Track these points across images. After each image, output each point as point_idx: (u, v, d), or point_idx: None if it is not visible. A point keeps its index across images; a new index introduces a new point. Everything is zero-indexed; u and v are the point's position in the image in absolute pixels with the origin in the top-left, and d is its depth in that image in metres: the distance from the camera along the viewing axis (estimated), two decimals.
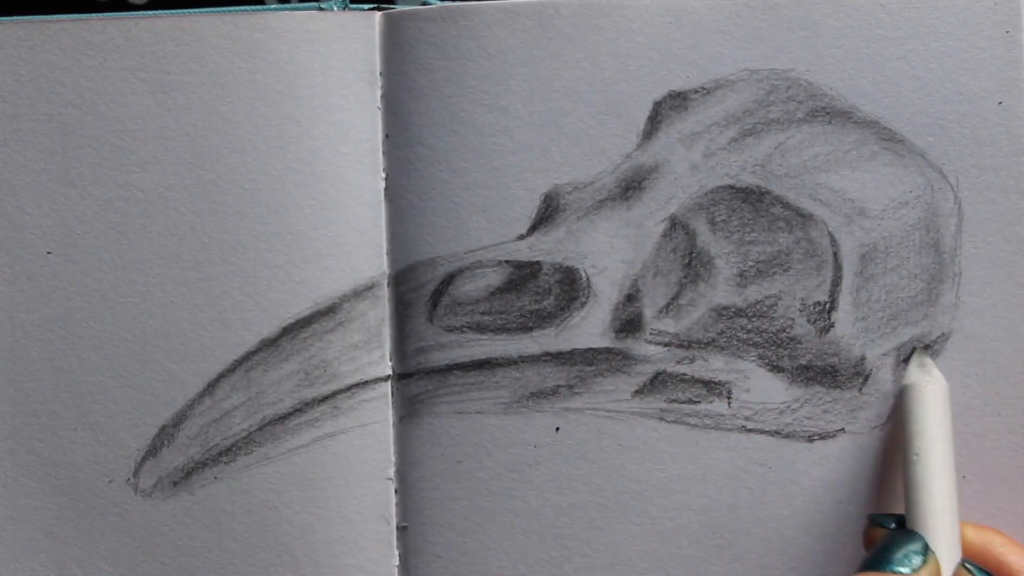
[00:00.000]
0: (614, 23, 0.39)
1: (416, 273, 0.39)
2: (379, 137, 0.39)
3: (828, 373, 0.38)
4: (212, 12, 0.39)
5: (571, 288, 0.39)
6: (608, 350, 0.39)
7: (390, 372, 0.39)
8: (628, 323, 0.39)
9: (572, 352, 0.39)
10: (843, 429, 0.38)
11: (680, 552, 0.38)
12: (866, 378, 0.38)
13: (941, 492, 0.35)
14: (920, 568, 0.34)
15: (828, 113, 0.39)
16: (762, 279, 0.39)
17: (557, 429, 0.38)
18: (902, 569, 0.34)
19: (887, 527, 0.36)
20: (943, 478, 0.35)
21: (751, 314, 0.39)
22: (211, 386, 0.39)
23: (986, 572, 0.35)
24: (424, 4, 0.39)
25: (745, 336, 0.38)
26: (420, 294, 0.39)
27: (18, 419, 0.39)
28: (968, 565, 0.35)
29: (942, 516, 0.35)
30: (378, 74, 0.39)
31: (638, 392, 0.38)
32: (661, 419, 0.38)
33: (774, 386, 0.38)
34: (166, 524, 0.38)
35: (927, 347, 0.38)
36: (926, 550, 0.34)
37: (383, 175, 0.39)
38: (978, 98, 0.38)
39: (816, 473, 0.38)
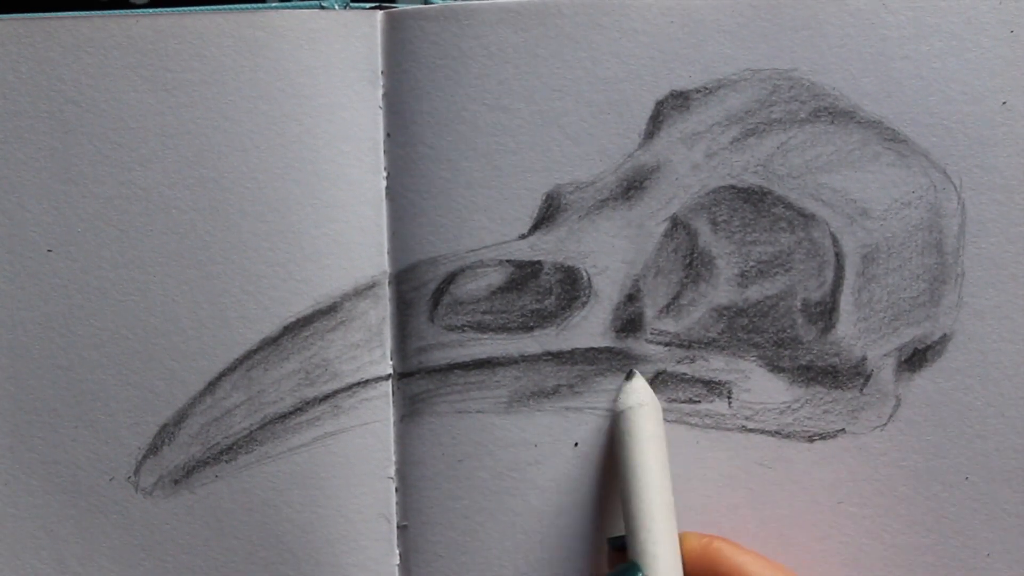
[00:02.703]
0: (616, 22, 0.38)
1: (417, 272, 0.39)
2: (380, 136, 0.39)
3: (829, 373, 0.38)
4: (214, 10, 0.39)
5: (572, 288, 0.39)
6: (609, 349, 0.39)
7: (391, 371, 0.39)
8: (629, 323, 0.39)
9: (573, 352, 0.39)
10: (843, 429, 0.38)
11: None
12: (867, 378, 0.38)
13: (659, 516, 0.35)
14: None
15: (831, 113, 0.38)
16: (763, 279, 0.39)
17: (576, 444, 0.38)
18: None
19: (621, 550, 0.36)
20: (661, 500, 0.35)
21: (752, 314, 0.39)
22: (212, 385, 0.39)
23: None
24: (426, 3, 0.39)
25: (746, 336, 0.38)
26: (421, 293, 0.39)
27: (19, 417, 0.39)
28: None
29: (660, 537, 0.34)
30: (380, 73, 0.39)
31: None
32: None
33: (775, 386, 0.38)
34: (167, 522, 0.38)
35: (929, 347, 0.38)
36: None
37: (384, 174, 0.39)
38: (982, 98, 0.38)
39: (816, 473, 0.38)
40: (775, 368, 0.38)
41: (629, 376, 0.37)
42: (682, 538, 0.36)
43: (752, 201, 0.39)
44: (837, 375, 0.38)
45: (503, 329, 0.39)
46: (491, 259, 0.39)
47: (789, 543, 0.38)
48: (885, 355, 0.38)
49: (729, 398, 0.38)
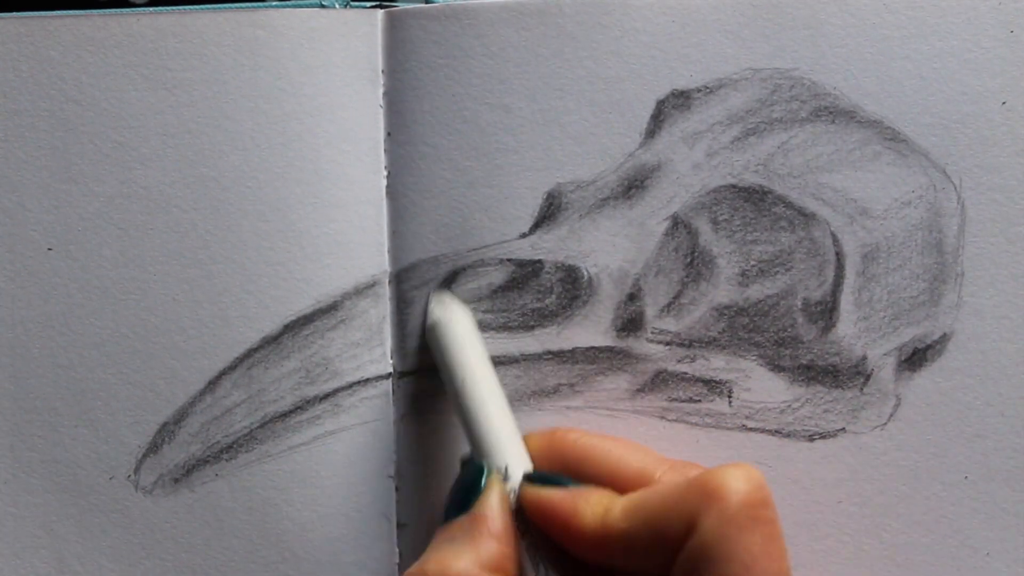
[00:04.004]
0: (617, 21, 0.38)
1: (418, 271, 0.39)
2: (381, 135, 0.39)
3: (829, 373, 0.38)
4: (214, 9, 0.39)
5: (573, 287, 0.39)
6: (609, 349, 0.39)
7: (391, 370, 0.39)
8: (630, 322, 0.39)
9: (573, 351, 0.39)
10: (844, 429, 0.38)
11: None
12: (867, 378, 0.38)
13: (495, 412, 0.34)
14: (482, 496, 0.33)
15: (831, 113, 0.39)
16: (764, 278, 0.39)
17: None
18: (470, 505, 0.33)
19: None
20: (493, 399, 0.35)
21: (753, 313, 0.39)
22: (212, 383, 0.39)
23: (552, 475, 0.34)
24: (427, 2, 0.39)
25: (746, 335, 0.38)
26: (422, 292, 0.39)
27: (19, 416, 0.39)
28: (532, 474, 0.34)
29: (500, 436, 0.34)
30: (380, 72, 0.39)
31: (639, 391, 0.38)
32: (662, 418, 0.38)
33: (775, 385, 0.38)
34: (167, 521, 0.38)
35: (929, 347, 0.38)
36: (481, 474, 0.33)
37: (385, 173, 0.39)
38: (982, 98, 0.38)
39: (817, 472, 0.38)
40: (775, 367, 0.38)
41: (431, 294, 0.38)
42: (526, 439, 0.35)
43: (753, 200, 0.39)
44: (837, 374, 0.38)
45: (504, 328, 0.39)
46: (492, 258, 0.39)
47: (789, 542, 0.38)
48: (885, 354, 0.38)
49: (729, 397, 0.38)
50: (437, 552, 0.32)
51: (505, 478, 0.34)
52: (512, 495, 0.33)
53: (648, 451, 0.35)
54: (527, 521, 0.33)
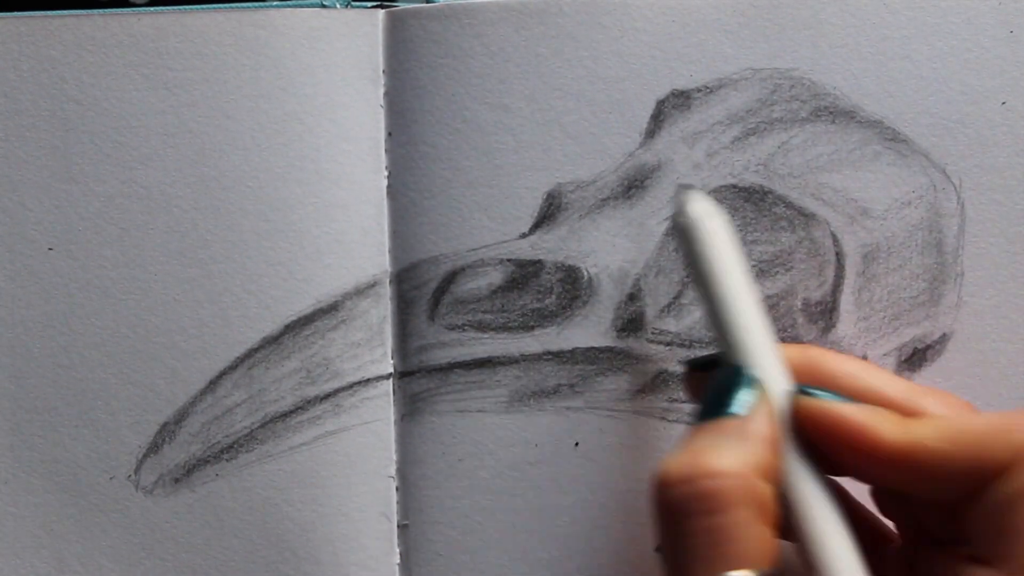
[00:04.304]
0: (617, 21, 0.39)
1: (418, 271, 0.39)
2: (382, 135, 0.39)
3: None
4: (215, 8, 0.39)
5: (573, 287, 0.39)
6: (610, 349, 0.39)
7: (392, 370, 0.39)
8: (630, 322, 0.39)
9: (574, 351, 0.39)
10: None
11: None
12: None
13: (755, 320, 0.33)
14: (753, 405, 0.31)
15: (831, 113, 0.39)
16: (764, 278, 0.39)
17: (576, 444, 0.38)
18: (737, 411, 0.31)
19: (707, 370, 0.34)
20: (753, 305, 0.33)
21: None
22: (213, 383, 0.39)
23: (830, 391, 0.32)
24: (427, 2, 0.39)
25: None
26: (422, 292, 0.39)
27: (19, 415, 0.39)
28: (805, 389, 0.32)
29: (761, 345, 0.32)
30: (381, 72, 0.39)
31: (640, 391, 0.38)
32: (663, 418, 0.38)
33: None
34: (167, 521, 0.38)
35: (929, 347, 0.38)
36: (753, 384, 0.32)
37: (385, 173, 0.39)
38: (982, 98, 0.38)
39: None
40: None
41: (683, 189, 0.36)
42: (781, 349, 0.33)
43: (753, 200, 0.39)
44: None
45: (504, 328, 0.39)
46: (492, 258, 0.39)
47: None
48: (885, 354, 0.38)
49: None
50: (707, 447, 0.30)
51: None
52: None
53: (904, 380, 0.34)
54: (792, 434, 0.32)
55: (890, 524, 0.35)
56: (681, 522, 0.29)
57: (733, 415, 0.31)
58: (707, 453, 0.30)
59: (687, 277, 0.34)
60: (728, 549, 0.28)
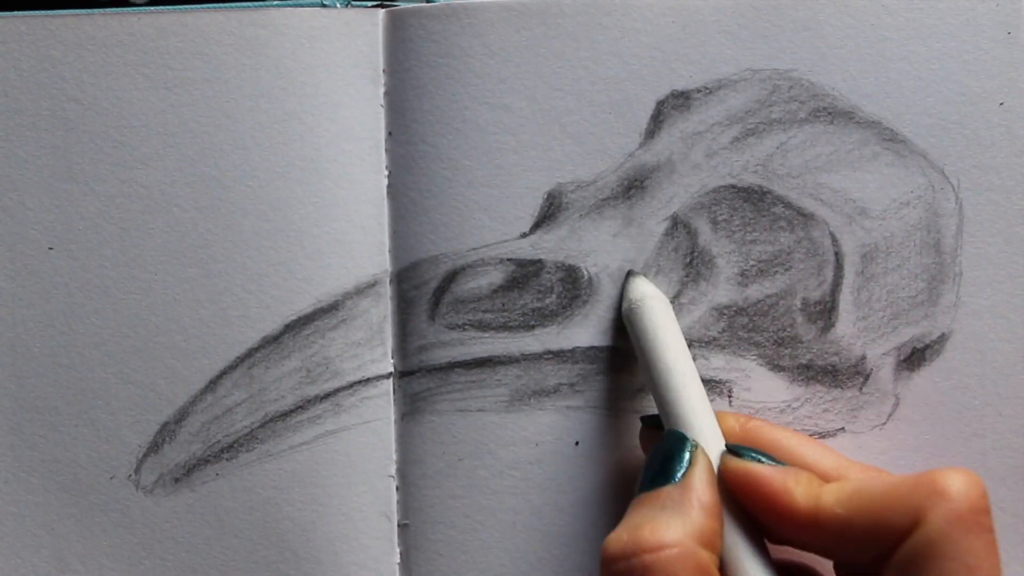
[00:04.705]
0: (617, 22, 0.39)
1: (418, 271, 0.39)
2: (382, 135, 0.39)
3: (828, 372, 0.39)
4: (215, 8, 0.39)
5: (573, 286, 0.39)
6: (610, 348, 0.39)
7: (392, 370, 0.39)
8: None
9: (574, 350, 0.39)
10: (843, 428, 0.38)
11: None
12: (866, 378, 0.38)
13: (694, 390, 0.34)
14: (690, 467, 0.32)
15: (830, 113, 0.39)
16: (763, 278, 0.39)
17: (577, 443, 0.38)
18: (675, 478, 0.32)
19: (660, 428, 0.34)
20: (692, 377, 0.34)
21: (752, 313, 0.39)
22: (213, 383, 0.39)
23: (756, 451, 0.33)
24: (427, 1, 0.39)
25: (746, 335, 0.39)
26: (422, 292, 0.39)
27: (20, 415, 0.39)
28: (737, 447, 0.33)
29: (699, 411, 0.34)
30: (381, 71, 0.39)
31: (640, 390, 0.38)
32: None
33: (775, 385, 0.39)
34: (167, 520, 0.38)
35: (927, 347, 0.38)
36: (684, 445, 0.33)
37: (386, 172, 0.39)
38: (980, 99, 0.38)
39: None
40: (775, 367, 0.39)
41: (629, 276, 0.38)
42: (719, 418, 0.34)
43: (752, 200, 0.39)
44: (837, 374, 0.39)
45: (504, 328, 0.39)
46: (492, 257, 0.39)
47: None
48: (884, 354, 0.39)
49: (730, 397, 0.39)
50: (646, 520, 0.31)
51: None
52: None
53: (838, 453, 0.35)
54: (729, 497, 0.32)
55: None
56: None
57: (672, 483, 0.32)
58: (647, 526, 0.31)
59: (637, 353, 0.36)
60: None
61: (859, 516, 0.31)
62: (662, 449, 0.33)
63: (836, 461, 0.34)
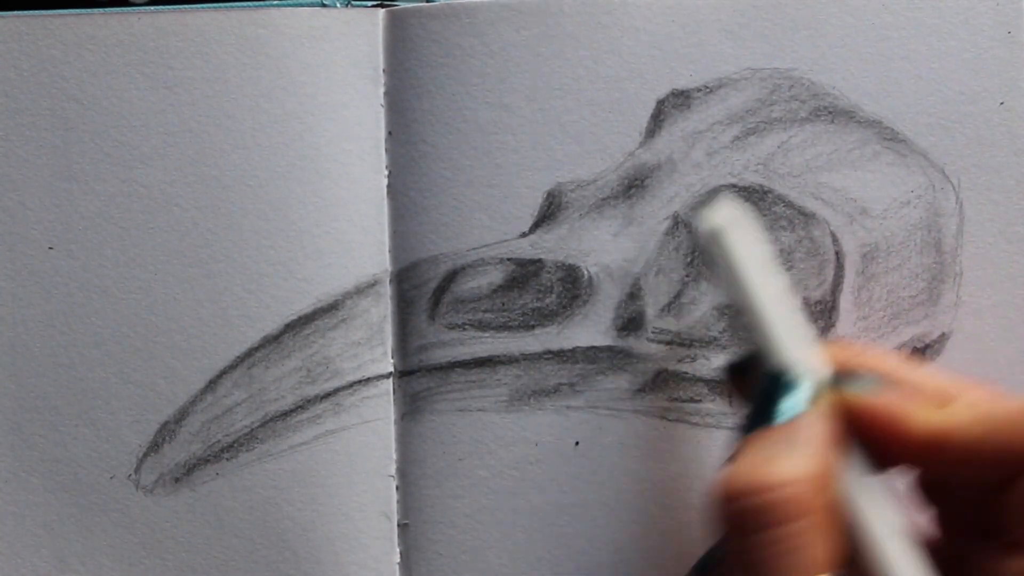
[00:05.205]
0: (617, 21, 0.39)
1: (418, 270, 0.39)
2: (382, 134, 0.39)
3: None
4: (215, 8, 0.39)
5: (573, 286, 0.39)
6: (610, 348, 0.39)
7: (392, 369, 0.39)
8: (630, 321, 0.39)
9: (574, 350, 0.39)
10: None
11: (682, 551, 0.38)
12: None
13: (794, 319, 0.32)
14: (804, 408, 0.31)
15: (831, 112, 0.39)
16: None
17: (576, 443, 0.38)
18: (789, 415, 0.31)
19: (747, 370, 0.33)
20: (790, 307, 0.33)
21: None
22: (213, 383, 0.39)
23: (870, 378, 0.32)
24: (427, 1, 0.39)
25: (747, 335, 0.38)
26: (422, 291, 0.39)
27: (19, 415, 0.39)
28: (841, 380, 0.32)
29: (804, 343, 0.32)
30: (381, 71, 0.39)
31: (640, 390, 0.38)
32: (663, 418, 0.38)
33: None
34: (167, 520, 0.38)
35: (927, 346, 0.38)
36: (802, 387, 0.31)
37: (386, 172, 0.39)
38: (980, 98, 0.38)
39: None
40: None
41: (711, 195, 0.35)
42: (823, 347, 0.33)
43: (752, 200, 0.39)
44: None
45: (504, 327, 0.39)
46: (492, 257, 0.39)
47: None
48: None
49: (730, 397, 0.38)
50: (765, 457, 0.30)
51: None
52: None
53: (944, 374, 0.33)
54: (842, 428, 0.31)
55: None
56: (750, 534, 0.29)
57: (787, 420, 0.31)
58: (768, 463, 0.30)
59: (708, 280, 0.34)
60: (799, 558, 0.29)
61: (991, 436, 0.30)
62: (771, 386, 0.32)
63: (944, 381, 0.32)
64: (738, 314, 0.33)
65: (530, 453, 0.38)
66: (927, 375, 0.33)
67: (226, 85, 0.39)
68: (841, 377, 0.32)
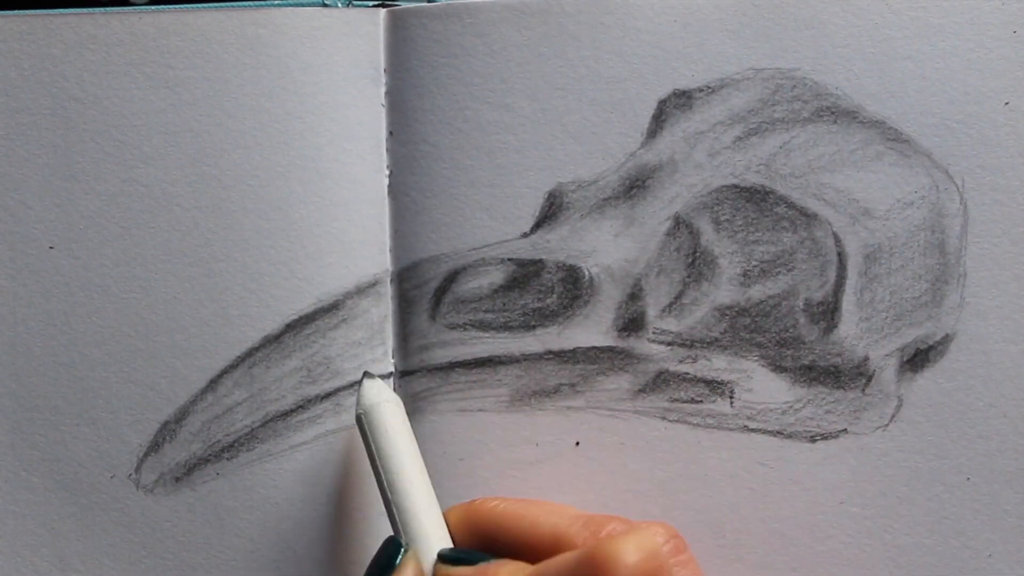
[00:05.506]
0: (619, 21, 0.38)
1: (419, 270, 0.39)
2: (383, 134, 0.39)
3: (831, 373, 0.38)
4: (216, 7, 0.39)
5: (574, 286, 0.39)
6: (611, 349, 0.39)
7: (393, 369, 0.39)
8: (631, 322, 0.39)
9: (575, 351, 0.39)
10: (845, 429, 0.38)
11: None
12: (869, 379, 0.38)
13: (417, 494, 0.35)
14: (397, 569, 0.34)
15: (833, 113, 0.38)
16: (766, 279, 0.39)
17: (577, 444, 0.38)
18: None
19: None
20: (416, 482, 0.35)
21: (754, 314, 0.38)
22: (213, 382, 0.39)
23: (463, 553, 0.34)
24: (429, 1, 0.39)
25: (748, 336, 0.38)
26: (423, 291, 0.39)
27: (20, 414, 0.39)
28: (444, 552, 0.34)
29: (419, 514, 0.35)
30: (382, 71, 0.39)
31: (640, 391, 0.38)
32: (663, 418, 0.38)
33: (777, 386, 0.38)
34: (168, 519, 0.38)
35: (931, 348, 0.38)
36: (398, 552, 0.34)
37: (387, 172, 0.39)
38: (984, 98, 0.38)
39: (818, 473, 0.38)
40: (777, 368, 0.38)
41: (364, 377, 0.37)
42: (447, 513, 0.36)
43: (755, 200, 0.39)
44: (839, 375, 0.38)
45: (505, 328, 0.39)
46: (493, 257, 0.39)
47: (791, 543, 0.38)
48: (887, 355, 0.38)
49: (731, 398, 0.38)
50: None
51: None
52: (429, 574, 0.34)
53: (564, 511, 0.35)
54: None
55: None
56: None
57: None
58: None
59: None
60: None
61: None
62: (376, 558, 0.35)
63: (554, 527, 0.34)
64: (379, 489, 0.36)
65: (531, 453, 0.38)
66: (545, 518, 0.34)
67: (227, 85, 0.39)
68: (446, 553, 0.34)
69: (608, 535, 0.33)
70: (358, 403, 0.36)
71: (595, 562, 0.31)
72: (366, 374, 0.37)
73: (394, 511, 0.35)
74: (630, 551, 0.31)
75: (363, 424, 0.36)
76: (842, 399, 0.38)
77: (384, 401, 0.36)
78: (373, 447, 0.36)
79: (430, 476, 0.38)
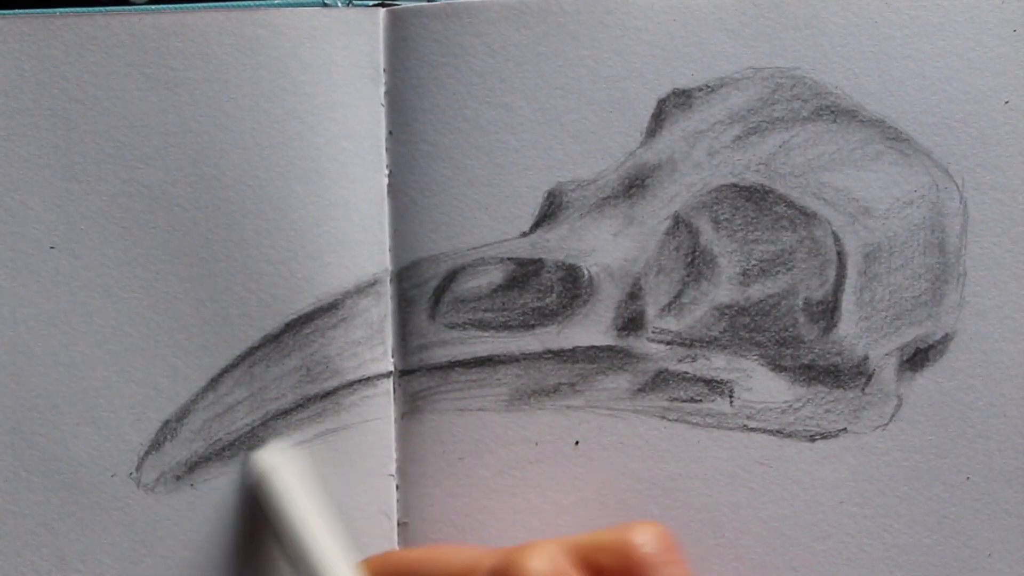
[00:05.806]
0: (618, 20, 0.38)
1: (419, 270, 0.39)
2: (382, 134, 0.39)
3: (830, 373, 0.38)
4: (216, 8, 0.39)
5: (573, 286, 0.39)
6: (610, 348, 0.39)
7: (392, 369, 0.39)
8: (630, 321, 0.39)
9: (574, 350, 0.39)
10: (845, 429, 0.38)
11: (681, 551, 0.38)
12: (869, 378, 0.38)
13: (324, 554, 0.35)
14: None
15: (833, 112, 0.38)
16: (765, 278, 0.39)
17: (577, 443, 0.38)
18: None
19: None
20: (323, 542, 0.36)
21: (754, 313, 0.38)
22: (214, 381, 0.39)
23: None
24: (428, 0, 0.39)
25: (747, 335, 0.38)
26: (423, 291, 0.39)
27: (20, 414, 0.39)
28: None
29: (330, 571, 0.35)
30: (382, 71, 0.39)
31: (640, 390, 0.38)
32: (663, 418, 0.38)
33: (776, 385, 0.38)
34: (168, 518, 0.39)
35: (931, 347, 0.38)
36: None
37: (386, 172, 0.39)
38: (984, 97, 0.38)
39: (818, 473, 0.38)
40: (777, 367, 0.38)
41: (256, 451, 0.38)
42: (366, 563, 0.36)
43: (754, 199, 0.39)
44: (839, 374, 0.38)
45: (504, 327, 0.39)
46: (492, 257, 0.39)
47: (790, 543, 0.38)
48: (887, 354, 0.38)
49: (731, 397, 0.38)
50: None
51: None
52: None
53: (472, 551, 0.35)
54: None
55: None
56: None
57: None
58: None
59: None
60: None
61: None
62: None
63: (468, 558, 0.35)
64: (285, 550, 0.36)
65: (530, 453, 0.38)
66: (456, 558, 0.35)
67: (226, 85, 0.39)
68: None
69: (516, 548, 0.33)
70: (252, 471, 0.37)
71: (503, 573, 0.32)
72: (255, 451, 0.38)
73: (303, 571, 0.36)
74: (535, 558, 0.32)
75: (261, 491, 0.37)
76: (842, 398, 0.38)
77: (278, 465, 0.37)
78: (275, 512, 0.36)
79: (428, 476, 0.38)
